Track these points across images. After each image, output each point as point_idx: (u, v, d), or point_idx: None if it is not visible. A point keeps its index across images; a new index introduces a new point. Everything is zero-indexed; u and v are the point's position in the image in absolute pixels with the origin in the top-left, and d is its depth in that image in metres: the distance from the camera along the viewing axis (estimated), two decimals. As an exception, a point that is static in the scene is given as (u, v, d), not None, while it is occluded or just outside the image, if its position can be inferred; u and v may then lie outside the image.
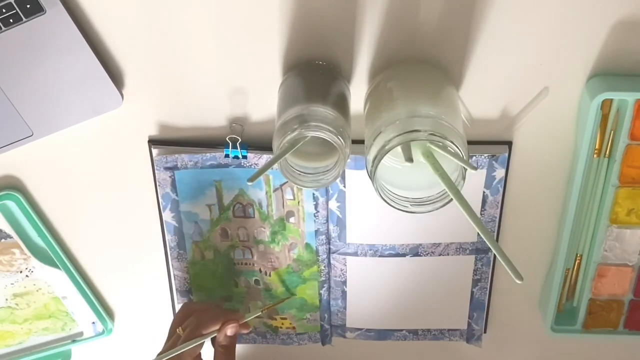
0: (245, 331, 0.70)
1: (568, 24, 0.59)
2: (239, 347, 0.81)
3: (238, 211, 0.69)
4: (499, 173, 0.66)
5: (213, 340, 0.68)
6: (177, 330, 0.67)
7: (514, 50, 0.60)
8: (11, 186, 0.69)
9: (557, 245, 0.70)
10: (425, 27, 0.59)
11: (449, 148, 0.50)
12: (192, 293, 0.75)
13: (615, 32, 0.59)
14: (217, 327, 0.67)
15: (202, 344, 0.66)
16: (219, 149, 0.66)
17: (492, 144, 0.65)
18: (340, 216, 0.69)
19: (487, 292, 0.75)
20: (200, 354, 0.67)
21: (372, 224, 0.70)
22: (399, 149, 0.50)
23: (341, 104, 0.57)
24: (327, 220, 0.69)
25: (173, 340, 0.67)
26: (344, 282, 0.74)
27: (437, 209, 0.53)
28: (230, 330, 0.67)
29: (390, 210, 0.53)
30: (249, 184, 0.59)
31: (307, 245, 0.71)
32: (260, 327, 0.78)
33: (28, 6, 0.57)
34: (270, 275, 0.74)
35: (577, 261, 0.70)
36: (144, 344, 0.81)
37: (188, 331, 0.66)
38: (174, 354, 0.64)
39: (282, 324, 0.78)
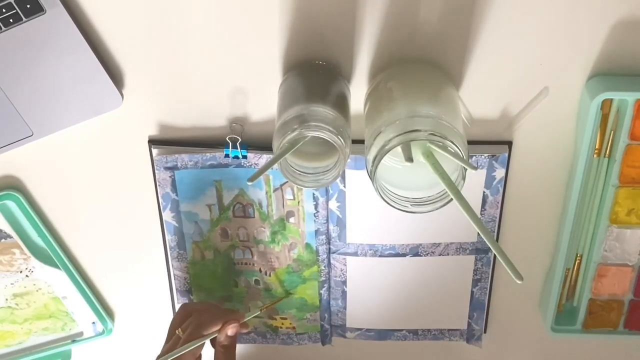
0: (245, 330, 0.70)
1: (568, 24, 0.59)
2: (239, 347, 0.81)
3: (238, 211, 0.69)
4: (499, 173, 0.66)
5: (213, 341, 0.68)
6: (177, 331, 0.67)
7: (514, 50, 0.60)
8: (11, 186, 0.69)
9: (557, 245, 0.70)
10: (425, 27, 0.59)
11: (449, 148, 0.50)
12: (192, 293, 0.75)
13: (615, 32, 0.59)
14: (217, 328, 0.67)
15: (203, 344, 0.66)
16: (219, 149, 0.66)
17: (492, 144, 0.65)
18: (340, 216, 0.69)
19: (487, 292, 0.75)
20: (200, 354, 0.67)
21: (372, 224, 0.70)
22: (399, 149, 0.50)
23: (341, 104, 0.57)
24: (327, 220, 0.69)
25: (173, 342, 0.66)
26: (344, 282, 0.74)
27: (437, 209, 0.53)
28: (230, 331, 0.67)
29: (390, 210, 0.53)
30: (249, 184, 0.59)
31: (307, 245, 0.71)
32: (260, 327, 0.78)
33: (28, 6, 0.57)
34: (270, 275, 0.74)
35: (577, 261, 0.70)
36: (144, 344, 0.81)
37: (188, 332, 0.65)
38: (175, 356, 0.63)
39: (282, 324, 0.78)
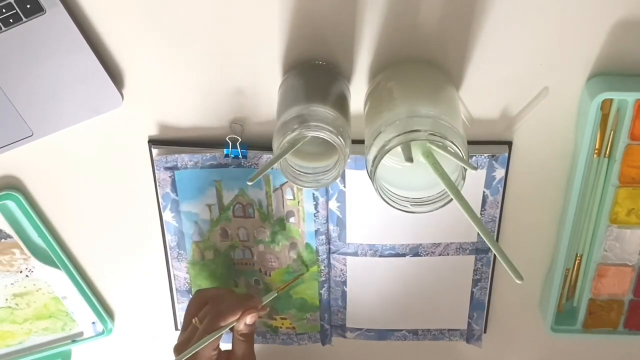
0: (262, 313, 0.68)
1: (568, 24, 0.59)
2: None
3: (238, 211, 0.69)
4: (499, 173, 0.66)
5: (231, 327, 0.67)
6: (193, 320, 0.66)
7: (514, 50, 0.60)
8: (11, 186, 0.69)
9: (557, 245, 0.70)
10: (425, 27, 0.59)
11: (449, 148, 0.50)
12: (192, 293, 0.75)
13: (615, 32, 0.59)
14: (235, 317, 0.65)
15: (221, 335, 0.65)
16: (219, 149, 0.66)
17: (492, 144, 0.65)
18: (340, 216, 0.69)
19: (487, 292, 0.75)
20: (218, 344, 0.66)
21: (372, 224, 0.70)
22: (399, 149, 0.50)
23: (341, 104, 0.57)
24: (327, 220, 0.69)
25: (190, 331, 0.65)
26: (344, 282, 0.74)
27: (437, 209, 0.53)
28: (250, 319, 0.66)
29: (390, 210, 0.53)
30: (249, 184, 0.59)
31: (307, 245, 0.71)
32: (260, 327, 0.78)
33: (28, 6, 0.57)
34: (270, 275, 0.74)
35: (577, 261, 0.70)
36: (144, 344, 0.81)
37: (206, 323, 0.64)
38: (194, 351, 0.62)
39: (282, 324, 0.78)
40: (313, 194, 0.68)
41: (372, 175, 0.51)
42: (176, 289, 0.75)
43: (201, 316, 0.66)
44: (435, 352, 0.82)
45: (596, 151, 0.63)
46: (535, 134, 0.65)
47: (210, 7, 0.59)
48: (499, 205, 0.68)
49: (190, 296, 0.75)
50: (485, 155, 0.65)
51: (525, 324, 0.78)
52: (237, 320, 0.65)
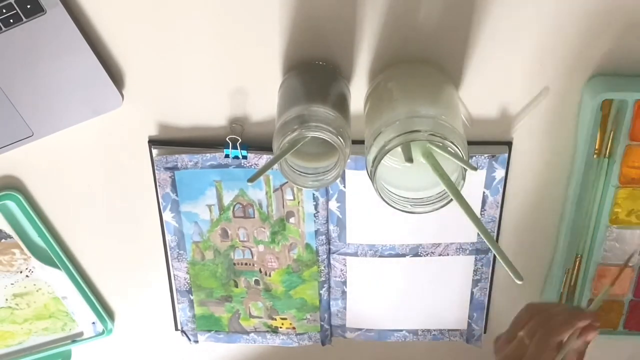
0: (597, 324, 0.62)
1: (568, 24, 0.59)
2: (237, 347, 0.81)
3: (238, 211, 0.69)
4: (499, 173, 0.66)
5: None
6: (519, 333, 0.60)
7: (513, 50, 0.60)
8: (11, 186, 0.69)
9: (557, 245, 0.70)
10: (425, 27, 0.59)
11: (448, 148, 0.50)
12: (192, 293, 0.75)
13: (615, 32, 0.59)
14: (569, 333, 0.59)
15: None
16: (219, 149, 0.66)
17: (492, 144, 0.65)
18: (340, 216, 0.69)
19: (487, 292, 0.75)
20: None
21: (372, 224, 0.70)
22: (399, 149, 0.50)
23: (341, 104, 0.57)
24: (327, 221, 0.69)
25: (516, 346, 0.60)
26: (344, 282, 0.74)
27: (437, 209, 0.53)
28: (590, 336, 0.60)
29: (390, 210, 0.53)
30: (249, 184, 0.59)
31: (307, 246, 0.71)
32: (260, 327, 0.78)
33: (28, 6, 0.57)
34: (270, 275, 0.74)
35: (577, 261, 0.70)
36: (144, 344, 0.81)
37: (538, 338, 0.58)
38: None
39: (282, 324, 0.78)
40: (313, 195, 0.68)
41: (372, 176, 0.51)
42: (176, 289, 0.75)
43: (529, 331, 0.60)
44: (435, 352, 0.82)
45: (596, 151, 0.63)
46: (535, 134, 0.65)
47: (210, 7, 0.59)
48: (499, 206, 0.68)
49: (191, 296, 0.75)
50: (485, 155, 0.65)
51: (525, 324, 0.78)
52: (574, 335, 0.60)
